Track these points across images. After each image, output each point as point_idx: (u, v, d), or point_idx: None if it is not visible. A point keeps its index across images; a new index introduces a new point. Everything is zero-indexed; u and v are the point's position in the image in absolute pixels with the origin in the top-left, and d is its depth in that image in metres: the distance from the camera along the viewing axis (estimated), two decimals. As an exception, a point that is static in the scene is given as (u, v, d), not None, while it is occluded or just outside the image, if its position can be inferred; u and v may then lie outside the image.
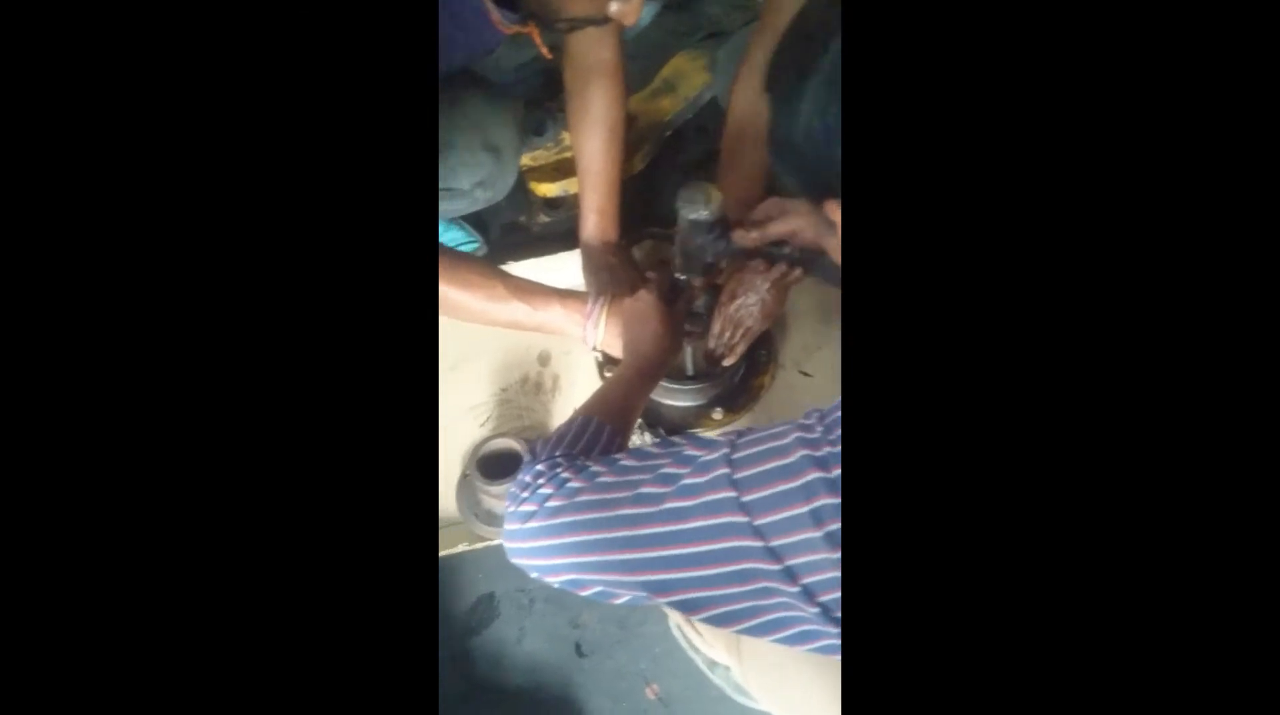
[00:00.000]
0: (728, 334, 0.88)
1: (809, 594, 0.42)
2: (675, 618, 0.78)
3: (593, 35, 0.84)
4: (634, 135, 1.13)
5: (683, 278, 0.78)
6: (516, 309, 0.80)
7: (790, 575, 0.42)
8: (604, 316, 0.79)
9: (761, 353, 0.96)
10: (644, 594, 0.49)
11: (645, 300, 0.76)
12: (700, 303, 0.84)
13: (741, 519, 0.43)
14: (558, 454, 0.57)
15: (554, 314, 0.80)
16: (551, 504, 0.52)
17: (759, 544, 0.42)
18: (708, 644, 0.76)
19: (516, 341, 1.03)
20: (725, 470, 0.45)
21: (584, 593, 0.52)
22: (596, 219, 0.93)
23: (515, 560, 0.55)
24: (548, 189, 1.15)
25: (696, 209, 0.71)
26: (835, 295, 1.03)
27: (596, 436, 0.60)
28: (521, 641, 0.96)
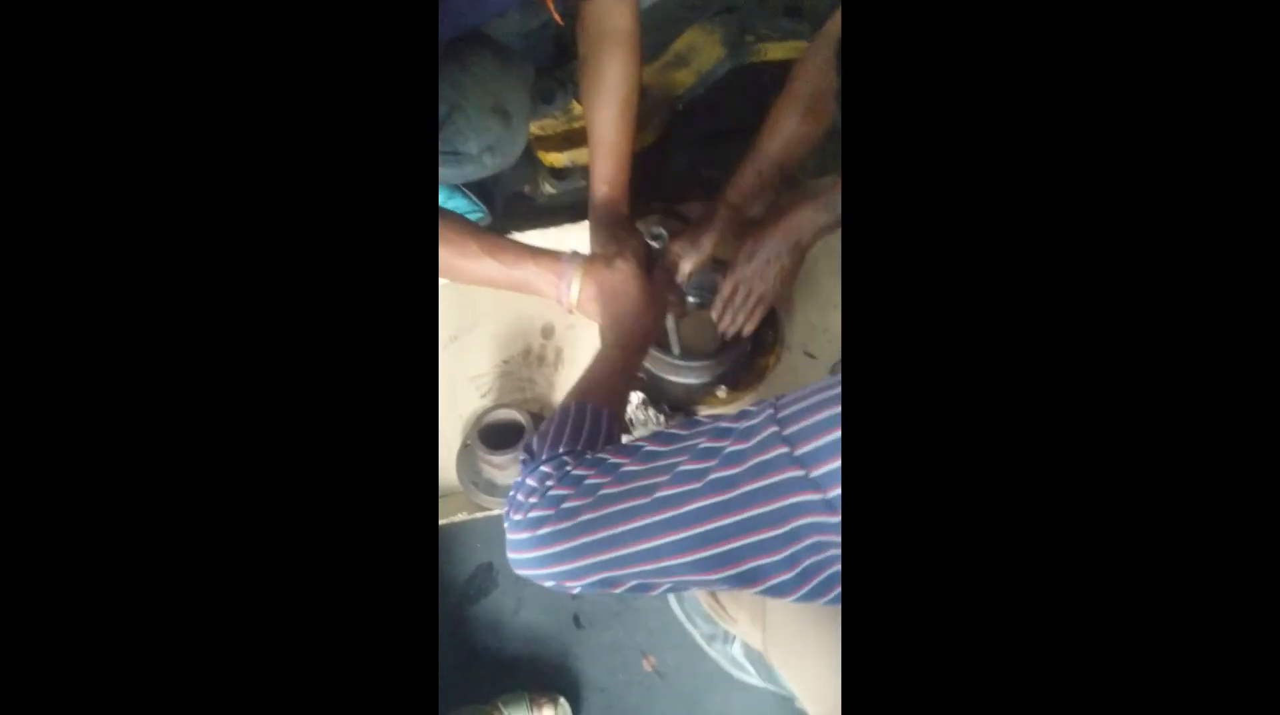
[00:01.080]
0: (739, 299, 0.85)
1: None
2: (701, 592, 0.77)
3: (609, 1, 0.82)
4: (645, 108, 1.11)
5: (658, 245, 0.77)
6: (489, 266, 0.77)
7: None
8: (578, 277, 0.77)
9: (768, 333, 0.95)
10: (692, 576, 0.46)
11: (623, 269, 0.73)
12: (690, 277, 0.82)
13: (798, 473, 0.41)
14: (561, 451, 0.53)
15: (527, 272, 0.77)
16: (569, 505, 0.48)
17: (817, 496, 0.41)
18: (729, 618, 0.76)
19: (519, 313, 1.02)
20: (774, 429, 0.43)
21: (612, 590, 0.48)
22: (607, 190, 0.92)
23: (524, 571, 0.50)
24: (556, 159, 1.13)
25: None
26: (837, 279, 1.02)
27: (596, 424, 0.56)
28: (519, 611, 0.96)
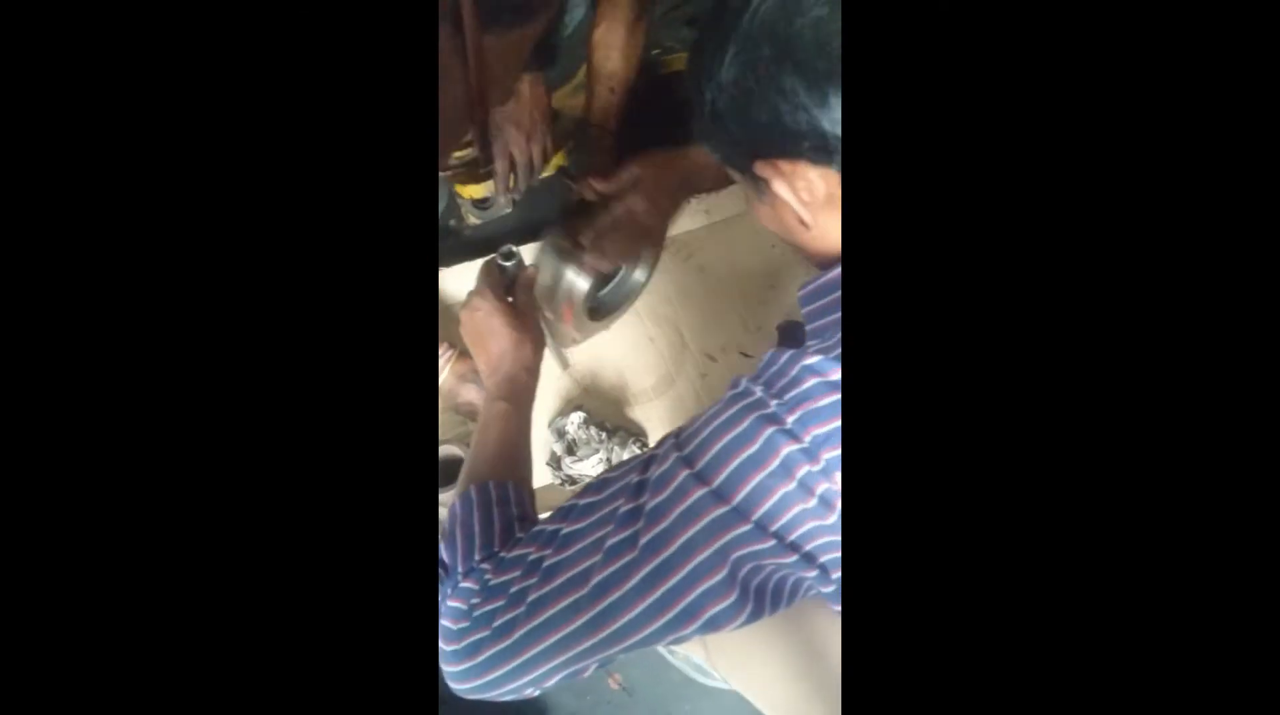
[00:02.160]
0: (611, 225, 0.79)
1: (797, 549, 0.41)
2: None
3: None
4: (558, 132, 1.13)
5: (510, 264, 0.73)
6: None
7: (781, 541, 0.41)
8: (450, 365, 0.76)
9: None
10: (655, 641, 0.44)
11: (481, 307, 0.68)
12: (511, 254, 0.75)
13: (723, 509, 0.41)
14: (476, 559, 0.49)
15: None
16: (503, 620, 0.45)
17: (747, 527, 0.41)
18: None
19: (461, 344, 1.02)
20: (686, 471, 0.43)
21: (583, 677, 0.46)
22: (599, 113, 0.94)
23: (477, 697, 0.47)
24: (474, 190, 1.14)
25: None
26: (737, 280, 1.04)
27: (504, 507, 0.53)
28: (482, 645, 0.96)
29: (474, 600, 0.47)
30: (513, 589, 0.46)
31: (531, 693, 0.47)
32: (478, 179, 1.12)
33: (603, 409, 1.00)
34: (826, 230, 0.47)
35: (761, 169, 0.45)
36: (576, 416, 0.97)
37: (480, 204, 1.15)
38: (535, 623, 0.44)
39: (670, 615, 0.43)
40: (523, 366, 0.66)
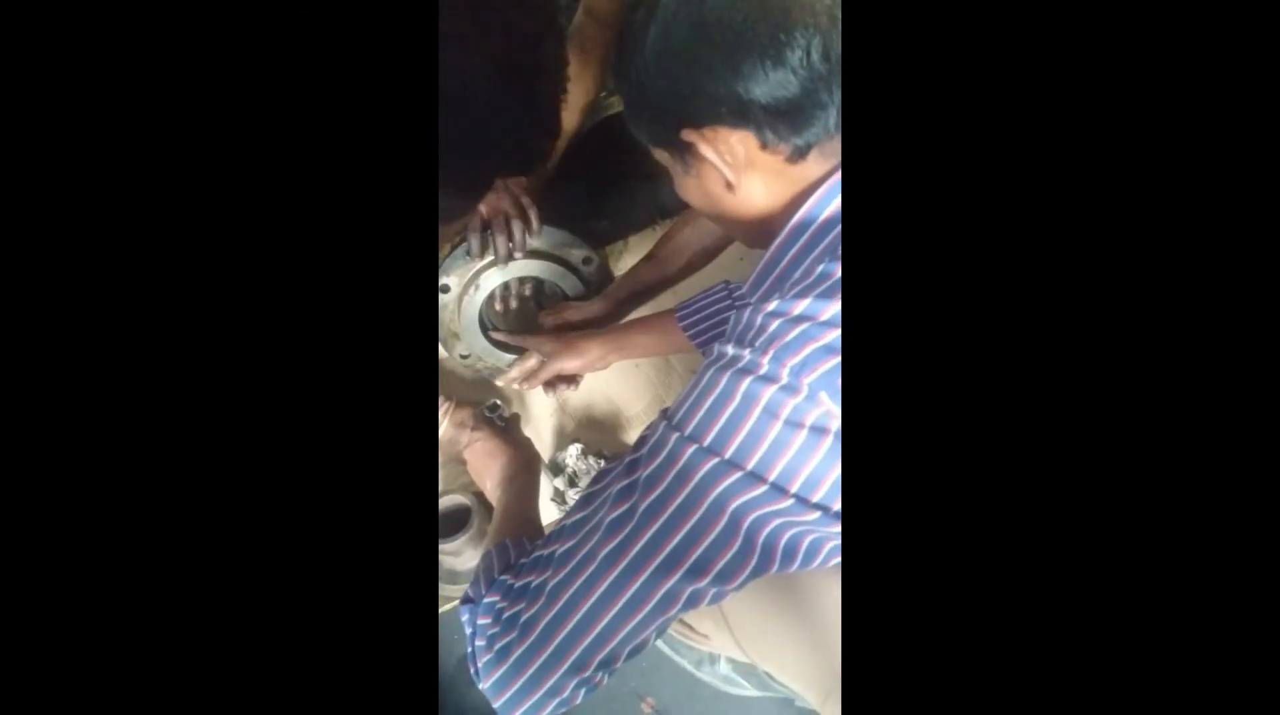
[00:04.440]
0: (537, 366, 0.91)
1: (801, 500, 0.42)
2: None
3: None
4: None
5: (492, 413, 0.85)
6: None
7: (780, 490, 0.42)
8: (448, 416, 0.84)
9: None
10: (671, 610, 0.45)
11: (480, 447, 0.80)
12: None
13: (715, 460, 0.43)
14: (498, 576, 0.53)
15: None
16: (527, 616, 0.47)
17: (739, 473, 0.43)
18: (698, 636, 0.78)
19: (459, 397, 1.03)
20: (676, 435, 0.45)
21: (617, 665, 0.47)
22: None
23: (519, 709, 0.47)
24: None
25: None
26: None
27: (519, 547, 0.57)
28: (511, 690, 0.96)
29: (499, 606, 0.50)
30: (531, 586, 0.48)
31: (575, 691, 0.47)
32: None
33: (599, 438, 1.02)
34: (750, 191, 0.51)
35: (688, 135, 0.49)
36: (574, 448, 0.99)
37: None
38: (556, 609, 0.46)
39: (681, 572, 0.44)
40: (528, 475, 0.76)
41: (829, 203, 0.49)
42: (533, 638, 0.47)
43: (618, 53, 0.52)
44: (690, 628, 0.77)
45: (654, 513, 0.45)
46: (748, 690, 0.90)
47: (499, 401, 0.87)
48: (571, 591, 0.46)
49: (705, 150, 0.49)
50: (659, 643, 0.94)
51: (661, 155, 0.54)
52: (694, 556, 0.44)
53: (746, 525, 0.43)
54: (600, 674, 0.48)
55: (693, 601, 0.46)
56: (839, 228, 0.48)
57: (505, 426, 0.84)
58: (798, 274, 0.49)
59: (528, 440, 0.84)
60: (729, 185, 0.51)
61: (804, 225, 0.49)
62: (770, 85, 0.46)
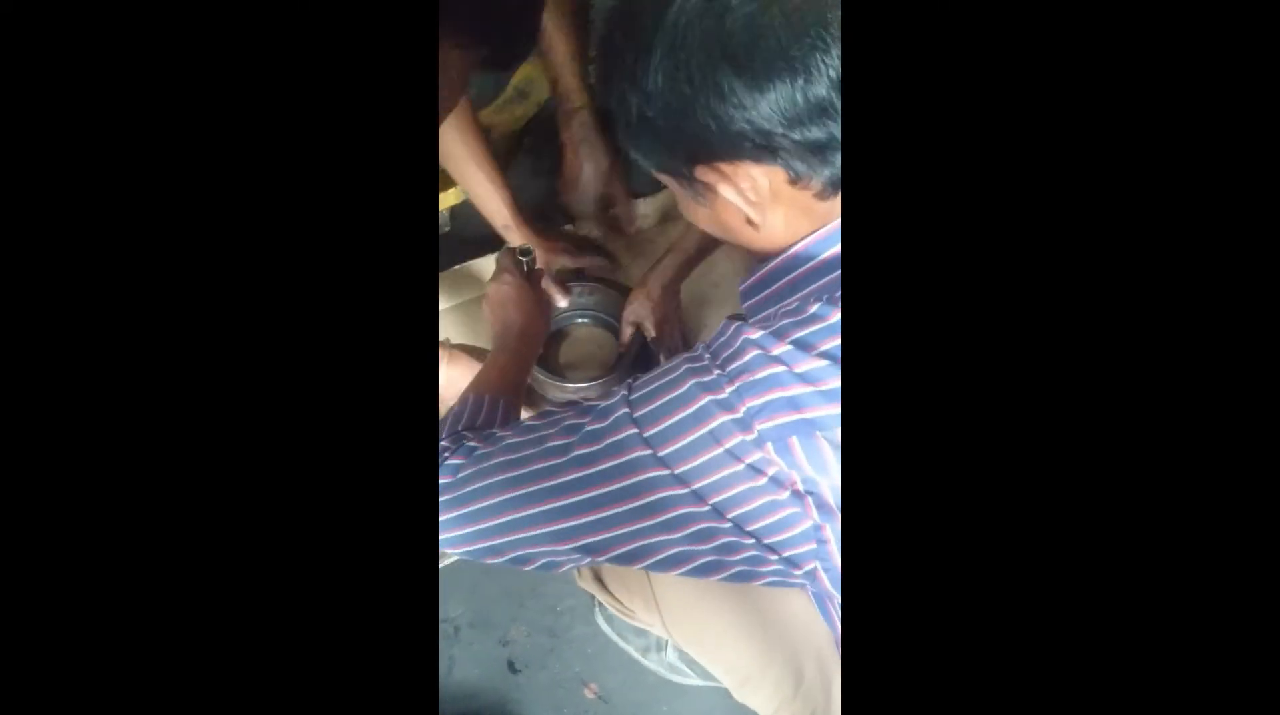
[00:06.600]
0: (667, 334, 0.93)
1: (719, 512, 0.44)
2: (590, 585, 0.78)
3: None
4: (493, 146, 1.12)
5: (524, 258, 0.83)
6: None
7: (699, 497, 0.43)
8: (444, 364, 0.80)
9: (654, 342, 0.99)
10: (554, 546, 0.48)
11: (507, 281, 0.79)
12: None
13: (646, 452, 0.44)
14: (459, 428, 0.57)
15: None
16: (464, 473, 0.51)
17: (666, 472, 0.44)
18: (627, 611, 0.78)
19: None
20: (625, 410, 0.46)
21: (496, 560, 0.51)
22: (482, 207, 0.95)
23: (460, 550, 0.53)
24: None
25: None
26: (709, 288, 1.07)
27: (492, 409, 0.60)
28: (452, 672, 0.93)
29: (445, 453, 0.53)
30: (476, 451, 0.52)
31: (484, 554, 0.51)
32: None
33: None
34: (774, 227, 0.46)
35: (703, 174, 0.45)
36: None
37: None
38: (481, 484, 0.50)
39: (576, 523, 0.47)
40: (528, 332, 0.75)
41: (839, 240, 0.45)
42: (459, 492, 0.50)
43: (604, 63, 0.46)
44: (619, 601, 0.77)
45: (581, 464, 0.47)
46: (692, 679, 0.90)
47: (531, 248, 0.85)
48: (498, 478, 0.49)
49: (726, 191, 0.45)
50: (605, 627, 0.93)
51: (665, 178, 0.49)
52: (597, 516, 0.46)
53: (661, 519, 0.45)
54: (488, 556, 0.51)
55: (606, 559, 0.49)
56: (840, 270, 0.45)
57: (530, 276, 0.82)
58: (793, 302, 0.46)
59: (545, 302, 0.83)
60: (750, 222, 0.46)
61: (809, 255, 0.46)
62: (803, 111, 0.41)
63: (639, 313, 0.90)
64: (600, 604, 0.89)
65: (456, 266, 1.03)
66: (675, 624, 0.71)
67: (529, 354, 0.75)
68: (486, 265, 1.03)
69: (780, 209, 0.46)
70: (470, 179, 0.94)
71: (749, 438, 0.42)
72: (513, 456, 0.50)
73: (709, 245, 0.89)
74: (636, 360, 0.95)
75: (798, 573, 0.46)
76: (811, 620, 0.66)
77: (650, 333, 0.91)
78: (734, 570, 0.47)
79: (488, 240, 1.10)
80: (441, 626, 0.95)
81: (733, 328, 0.45)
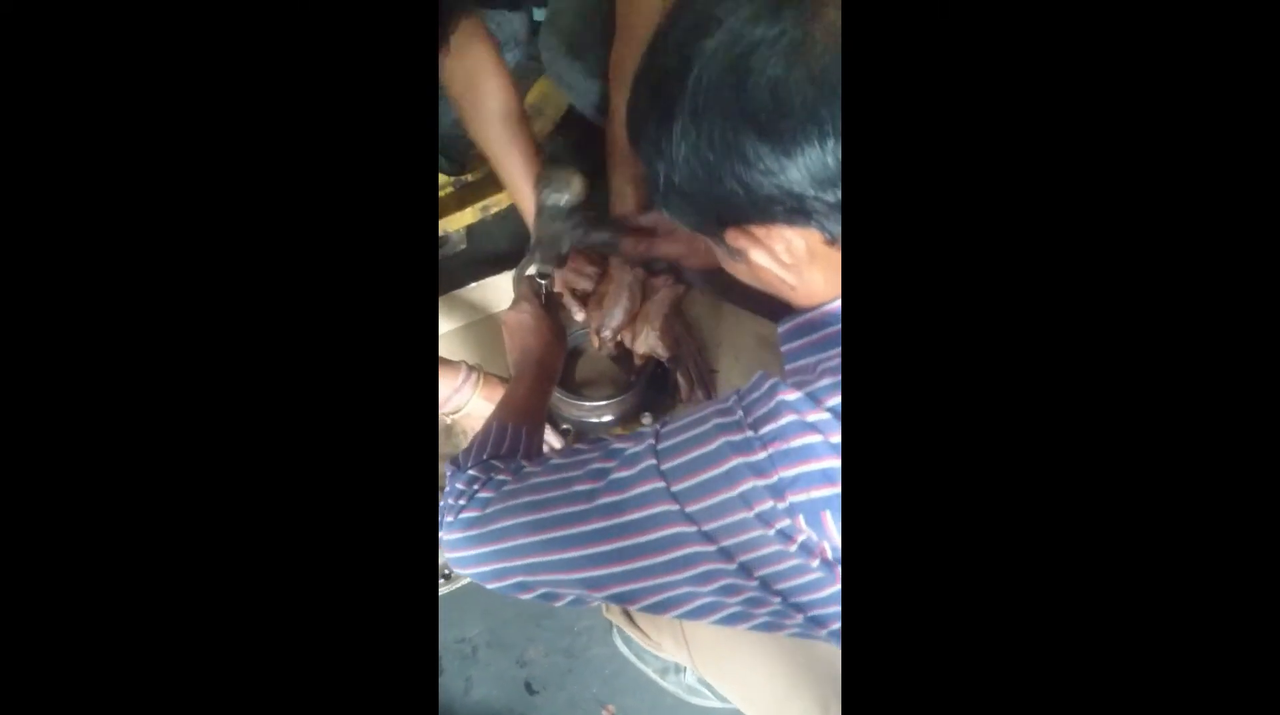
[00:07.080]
0: (596, 325, 0.90)
1: (747, 571, 0.43)
2: (618, 620, 0.78)
3: (464, 43, 0.82)
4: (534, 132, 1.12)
5: (543, 281, 0.81)
6: None
7: (727, 555, 0.43)
8: (477, 390, 0.80)
9: (670, 361, 0.98)
10: (584, 591, 0.49)
11: (524, 308, 0.78)
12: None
13: (673, 507, 0.43)
14: (485, 457, 0.58)
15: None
16: (492, 509, 0.51)
17: (693, 529, 0.43)
18: (654, 644, 0.77)
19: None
20: (652, 461, 0.45)
21: (526, 596, 0.51)
22: (521, 204, 0.93)
23: (461, 570, 0.54)
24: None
25: (559, 194, 0.74)
26: (727, 307, 1.07)
27: (515, 438, 0.61)
28: (470, 692, 0.93)
29: (475, 486, 0.54)
30: (505, 487, 0.52)
31: (499, 585, 0.52)
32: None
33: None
34: (813, 284, 0.45)
35: (734, 239, 0.43)
36: (558, 440, 0.96)
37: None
38: (511, 522, 0.50)
39: (599, 574, 0.46)
40: (545, 358, 0.75)
41: None
42: (490, 528, 0.51)
43: (631, 128, 0.44)
44: (647, 635, 0.76)
45: (606, 513, 0.46)
46: (711, 701, 0.88)
47: (550, 272, 0.82)
48: (526, 519, 0.50)
49: (759, 256, 0.44)
50: (623, 648, 0.92)
51: (703, 236, 0.47)
52: (621, 568, 0.46)
53: (689, 574, 0.44)
54: (517, 591, 0.52)
55: (619, 601, 0.48)
56: None
57: (548, 302, 0.81)
58: (833, 358, 0.44)
59: (562, 328, 0.82)
60: (788, 285, 0.45)
61: None
62: (834, 173, 0.39)
63: (649, 343, 0.89)
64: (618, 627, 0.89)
65: (473, 283, 1.03)
66: (703, 661, 0.71)
67: (548, 380, 0.75)
68: (502, 282, 1.03)
69: (818, 268, 0.44)
70: (514, 174, 0.89)
71: (780, 506, 0.40)
72: (539, 497, 0.49)
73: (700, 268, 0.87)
74: (653, 378, 0.95)
75: (822, 632, 0.45)
76: (838, 660, 0.65)
77: (664, 356, 0.90)
78: (759, 621, 0.46)
79: (504, 258, 1.10)
80: (459, 647, 0.94)
81: (768, 384, 0.43)
